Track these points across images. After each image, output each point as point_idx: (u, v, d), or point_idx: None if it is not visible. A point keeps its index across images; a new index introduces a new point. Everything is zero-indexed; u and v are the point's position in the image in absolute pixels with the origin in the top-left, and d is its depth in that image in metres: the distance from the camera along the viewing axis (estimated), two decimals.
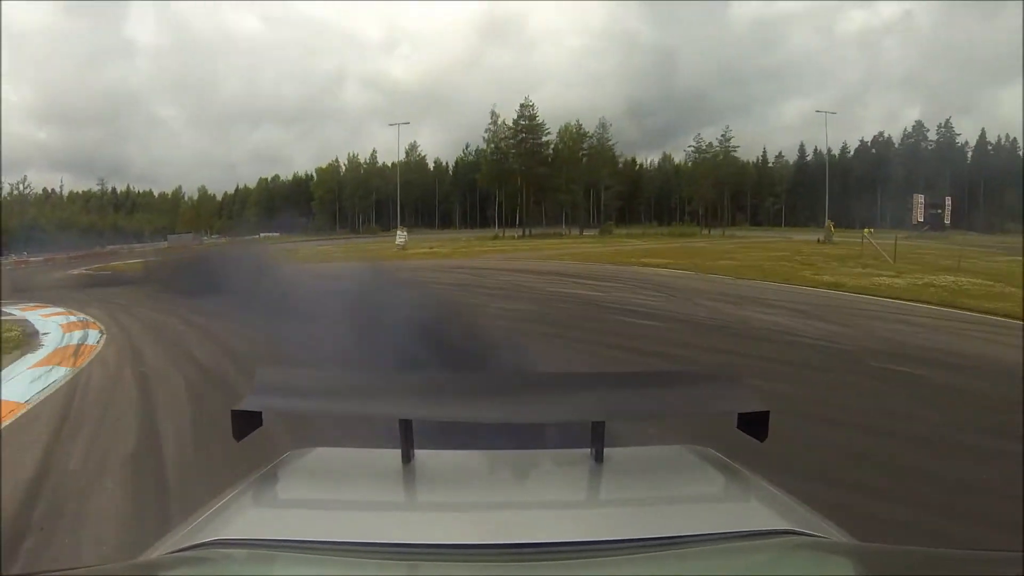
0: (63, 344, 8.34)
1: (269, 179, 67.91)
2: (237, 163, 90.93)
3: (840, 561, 0.96)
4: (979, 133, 56.31)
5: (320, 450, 1.35)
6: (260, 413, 1.20)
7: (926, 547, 0.96)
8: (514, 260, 23.09)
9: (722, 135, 52.78)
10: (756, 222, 57.29)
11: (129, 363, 7.07)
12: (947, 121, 59.11)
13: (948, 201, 44.56)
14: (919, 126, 59.33)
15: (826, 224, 37.04)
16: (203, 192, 65.63)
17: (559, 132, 54.24)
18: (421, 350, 5.00)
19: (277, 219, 55.91)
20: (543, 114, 54.44)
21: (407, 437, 1.16)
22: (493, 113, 54.14)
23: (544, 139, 54.91)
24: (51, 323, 10.22)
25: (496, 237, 48.91)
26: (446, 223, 65.50)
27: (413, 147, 66.85)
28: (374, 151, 66.39)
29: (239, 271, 12.37)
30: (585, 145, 54.25)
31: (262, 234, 50.39)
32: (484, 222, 59.45)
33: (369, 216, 63.91)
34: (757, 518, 1.05)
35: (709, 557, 0.90)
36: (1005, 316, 9.34)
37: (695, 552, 0.89)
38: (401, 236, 35.92)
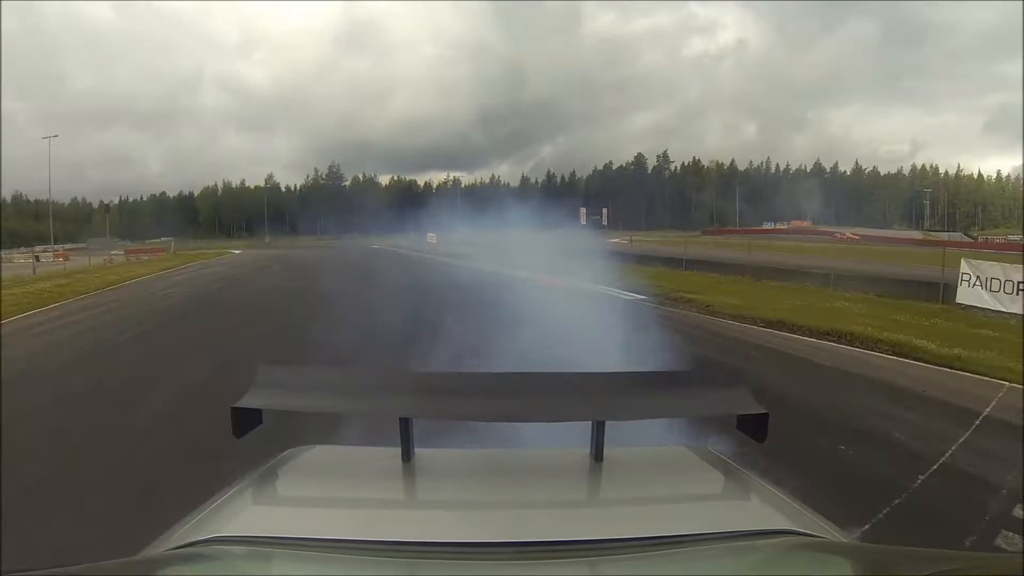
0: None
1: (158, 194, 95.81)
2: (85, 164, 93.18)
3: (839, 561, 1.01)
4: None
5: (319, 448, 1.44)
6: (260, 411, 1.27)
7: (925, 547, 1.00)
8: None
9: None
10: None
11: None
12: (665, 153, 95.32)
13: (604, 211, 79.37)
14: (640, 157, 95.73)
15: None
16: (113, 204, 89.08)
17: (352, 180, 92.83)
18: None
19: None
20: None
21: (406, 435, 1.24)
22: (316, 170, 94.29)
23: (343, 184, 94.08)
24: None
25: (316, 239, 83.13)
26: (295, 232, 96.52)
27: (270, 177, 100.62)
28: (243, 180, 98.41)
29: None
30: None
31: (163, 238, 65.94)
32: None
33: (241, 227, 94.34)
34: (756, 518, 1.12)
35: (708, 557, 0.95)
36: None
37: (694, 552, 0.95)
38: (268, 238, 69.18)
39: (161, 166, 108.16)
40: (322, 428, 2.13)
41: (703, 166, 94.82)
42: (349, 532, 0.98)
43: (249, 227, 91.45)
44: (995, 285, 11.46)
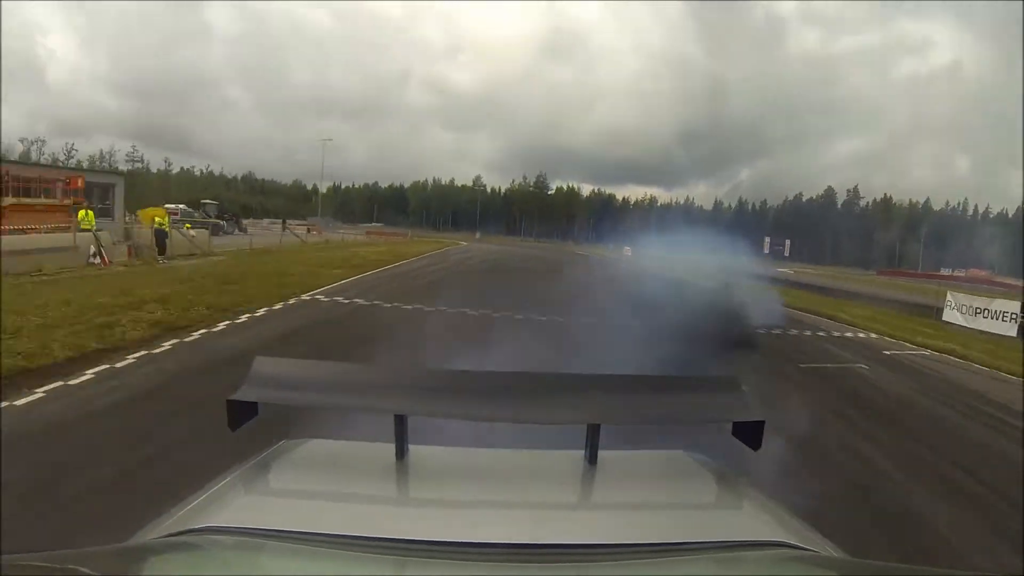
0: None
1: (370, 184, 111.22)
2: (299, 150, 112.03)
3: None
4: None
5: (313, 441, 1.48)
6: (256, 404, 1.29)
7: (918, 565, 1.06)
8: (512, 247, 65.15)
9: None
10: None
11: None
12: (855, 188, 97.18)
13: (787, 242, 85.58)
14: (830, 190, 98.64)
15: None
16: (328, 188, 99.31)
17: (556, 188, 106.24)
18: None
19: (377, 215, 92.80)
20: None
21: (401, 432, 1.26)
22: (524, 177, 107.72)
23: (548, 192, 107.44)
24: None
25: (521, 240, 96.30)
26: (498, 231, 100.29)
27: (478, 179, 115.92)
28: (452, 179, 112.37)
29: None
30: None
31: (373, 223, 75.65)
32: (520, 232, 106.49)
33: (448, 221, 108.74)
34: (750, 528, 1.14)
35: (699, 566, 0.96)
36: None
37: (683, 561, 0.96)
38: (478, 234, 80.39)
39: (366, 156, 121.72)
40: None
41: (893, 203, 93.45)
42: (340, 527, 0.99)
43: (455, 222, 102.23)
44: (964, 309, 18.94)
